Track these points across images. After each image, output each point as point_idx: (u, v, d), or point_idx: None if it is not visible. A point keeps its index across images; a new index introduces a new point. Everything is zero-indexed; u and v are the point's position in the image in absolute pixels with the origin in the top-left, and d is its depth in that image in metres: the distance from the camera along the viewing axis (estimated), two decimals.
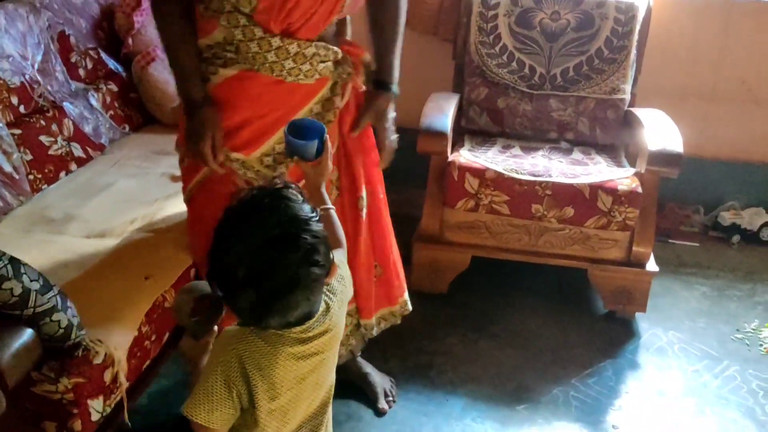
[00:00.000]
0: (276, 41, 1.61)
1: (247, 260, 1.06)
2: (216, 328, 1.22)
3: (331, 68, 1.72)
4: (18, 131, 2.09)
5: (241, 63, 1.64)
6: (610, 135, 2.75)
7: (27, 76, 2.19)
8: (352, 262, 1.54)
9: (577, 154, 2.67)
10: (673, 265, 2.88)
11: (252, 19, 1.59)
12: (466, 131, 2.83)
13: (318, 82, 1.72)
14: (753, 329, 2.50)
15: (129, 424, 1.55)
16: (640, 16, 2.70)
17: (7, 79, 2.13)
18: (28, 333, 1.30)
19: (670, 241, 3.06)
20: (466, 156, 2.50)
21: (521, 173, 2.41)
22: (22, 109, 2.15)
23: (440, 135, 2.43)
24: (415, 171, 2.82)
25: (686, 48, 3.02)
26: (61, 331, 1.35)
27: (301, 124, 1.43)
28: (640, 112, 2.66)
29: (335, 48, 1.71)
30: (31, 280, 1.30)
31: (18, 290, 1.27)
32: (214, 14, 1.60)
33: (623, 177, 2.41)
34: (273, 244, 1.07)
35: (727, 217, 3.08)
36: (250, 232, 1.07)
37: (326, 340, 1.18)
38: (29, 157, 2.11)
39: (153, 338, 1.66)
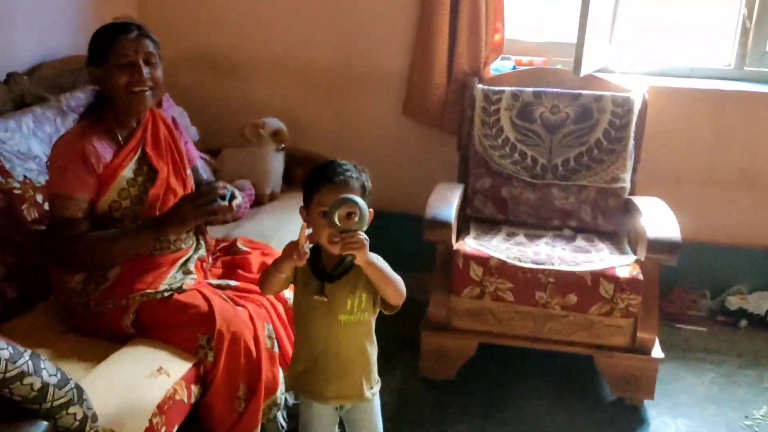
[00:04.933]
0: None
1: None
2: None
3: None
4: (42, 227, 2.20)
5: None
6: (611, 222, 2.82)
7: None
8: None
9: (580, 242, 2.73)
10: (680, 350, 2.89)
11: None
12: (471, 219, 2.92)
13: None
14: (762, 416, 2.49)
15: None
16: (636, 108, 2.82)
17: (33, 178, 2.26)
18: (42, 426, 1.35)
19: (677, 325, 3.07)
20: (470, 244, 2.58)
21: (524, 261, 2.47)
22: (46, 206, 2.26)
23: (444, 225, 2.51)
24: (424, 255, 2.89)
25: (682, 136, 3.11)
26: (77, 423, 1.40)
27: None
28: (639, 200, 2.73)
29: None
30: (50, 375, 1.36)
31: (38, 385, 1.33)
32: None
33: (624, 264, 2.47)
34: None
35: (733, 302, 3.10)
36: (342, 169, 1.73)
37: None
38: None
39: (163, 430, 1.69)
